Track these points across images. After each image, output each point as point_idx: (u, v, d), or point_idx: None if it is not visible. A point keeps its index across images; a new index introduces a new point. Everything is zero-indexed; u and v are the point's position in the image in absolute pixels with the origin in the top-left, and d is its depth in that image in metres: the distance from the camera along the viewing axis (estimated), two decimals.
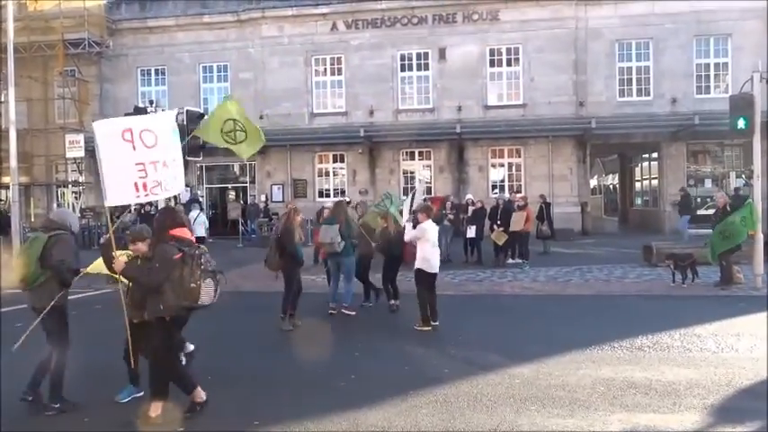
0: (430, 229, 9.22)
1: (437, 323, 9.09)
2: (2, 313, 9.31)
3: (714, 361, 7.21)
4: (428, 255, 9.16)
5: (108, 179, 5.63)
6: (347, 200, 15.47)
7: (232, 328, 9.37)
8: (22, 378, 5.98)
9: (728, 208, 12.78)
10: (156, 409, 5.47)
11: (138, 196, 5.82)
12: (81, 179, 27.24)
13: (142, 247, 5.66)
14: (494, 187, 25.08)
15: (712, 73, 24.27)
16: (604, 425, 5.32)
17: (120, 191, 5.72)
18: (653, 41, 24.35)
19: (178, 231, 5.59)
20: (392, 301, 10.56)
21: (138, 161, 5.69)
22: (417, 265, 9.23)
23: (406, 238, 9.55)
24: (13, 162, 16.29)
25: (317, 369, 7.12)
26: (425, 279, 9.17)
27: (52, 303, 5.79)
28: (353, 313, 10.24)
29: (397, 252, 10.51)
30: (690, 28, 23.91)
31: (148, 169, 5.72)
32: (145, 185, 5.73)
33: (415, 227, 9.36)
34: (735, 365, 6.96)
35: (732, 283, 12.23)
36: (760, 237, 12.22)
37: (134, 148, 5.66)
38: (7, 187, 19.55)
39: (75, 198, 28.05)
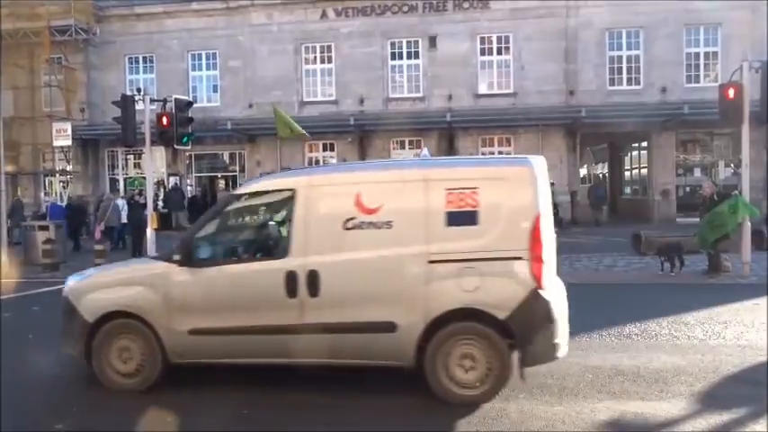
0: None
1: None
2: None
3: (701, 348, 7.26)
4: None
5: None
6: None
7: None
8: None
9: (716, 197, 12.85)
10: None
11: None
12: (69, 168, 27.04)
13: None
14: None
15: (702, 62, 24.30)
16: (592, 412, 5.35)
17: None
18: (643, 30, 24.34)
19: None
20: None
21: None
22: None
23: None
24: (0, 150, 16.13)
25: None
26: None
27: None
28: None
29: None
30: (680, 17, 23.91)
31: None
32: None
33: None
34: (721, 353, 7.02)
35: (720, 271, 12.31)
36: (747, 225, 12.30)
37: None
38: None
39: (63, 187, 27.82)
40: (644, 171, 26.67)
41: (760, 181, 21.40)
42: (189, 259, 6.08)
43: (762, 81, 12.19)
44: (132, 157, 27.61)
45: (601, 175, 32.18)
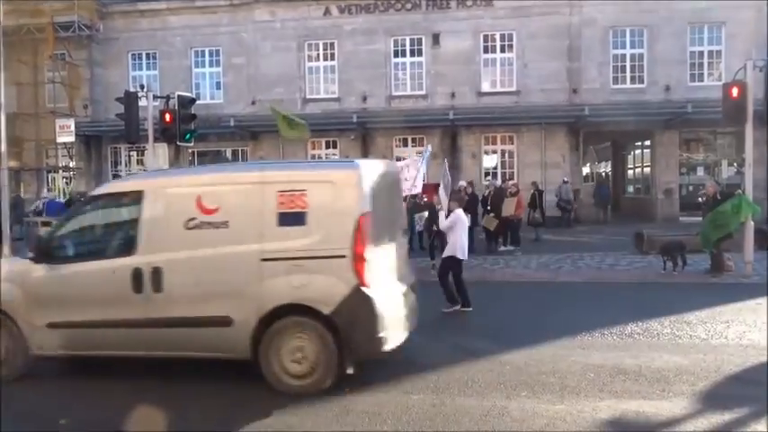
0: (463, 217, 9.55)
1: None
2: None
3: (703, 348, 7.26)
4: (464, 242, 9.44)
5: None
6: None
7: None
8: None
9: (719, 196, 12.83)
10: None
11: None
12: (72, 164, 27.06)
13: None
14: (486, 174, 25.02)
15: (706, 61, 24.22)
16: (593, 411, 5.34)
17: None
18: (647, 29, 24.25)
19: None
20: None
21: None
22: (450, 252, 9.44)
23: (442, 227, 9.85)
24: (3, 146, 16.08)
25: None
26: (456, 265, 9.40)
27: None
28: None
29: None
30: (684, 15, 23.80)
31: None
32: None
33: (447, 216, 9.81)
34: (723, 352, 7.02)
35: (722, 270, 12.29)
36: (750, 225, 12.27)
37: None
38: None
39: (66, 183, 27.86)
40: (647, 170, 26.61)
41: (763, 180, 21.32)
42: (45, 257, 6.53)
43: (766, 80, 12.15)
44: (135, 153, 27.61)
45: (604, 174, 32.13)
